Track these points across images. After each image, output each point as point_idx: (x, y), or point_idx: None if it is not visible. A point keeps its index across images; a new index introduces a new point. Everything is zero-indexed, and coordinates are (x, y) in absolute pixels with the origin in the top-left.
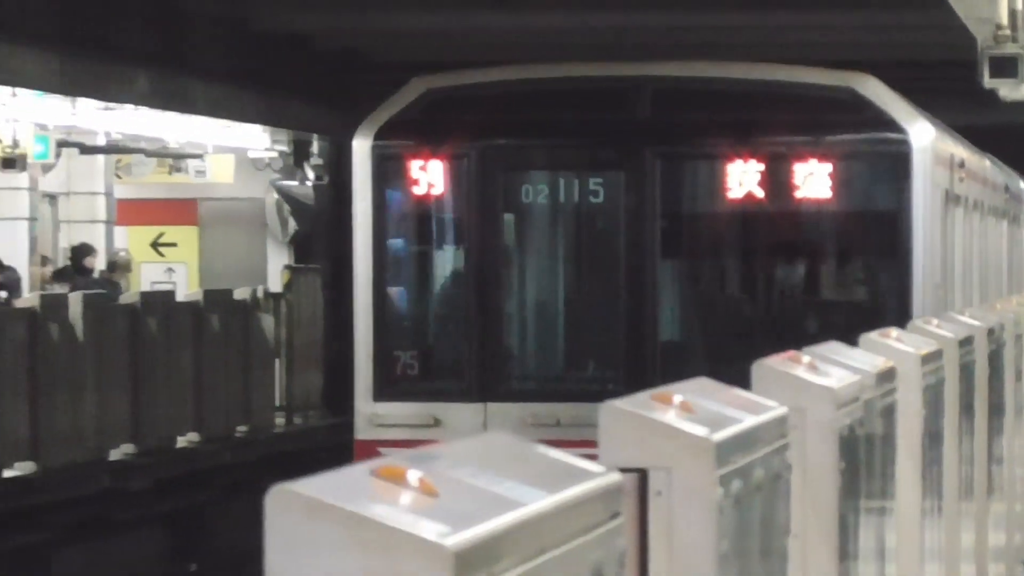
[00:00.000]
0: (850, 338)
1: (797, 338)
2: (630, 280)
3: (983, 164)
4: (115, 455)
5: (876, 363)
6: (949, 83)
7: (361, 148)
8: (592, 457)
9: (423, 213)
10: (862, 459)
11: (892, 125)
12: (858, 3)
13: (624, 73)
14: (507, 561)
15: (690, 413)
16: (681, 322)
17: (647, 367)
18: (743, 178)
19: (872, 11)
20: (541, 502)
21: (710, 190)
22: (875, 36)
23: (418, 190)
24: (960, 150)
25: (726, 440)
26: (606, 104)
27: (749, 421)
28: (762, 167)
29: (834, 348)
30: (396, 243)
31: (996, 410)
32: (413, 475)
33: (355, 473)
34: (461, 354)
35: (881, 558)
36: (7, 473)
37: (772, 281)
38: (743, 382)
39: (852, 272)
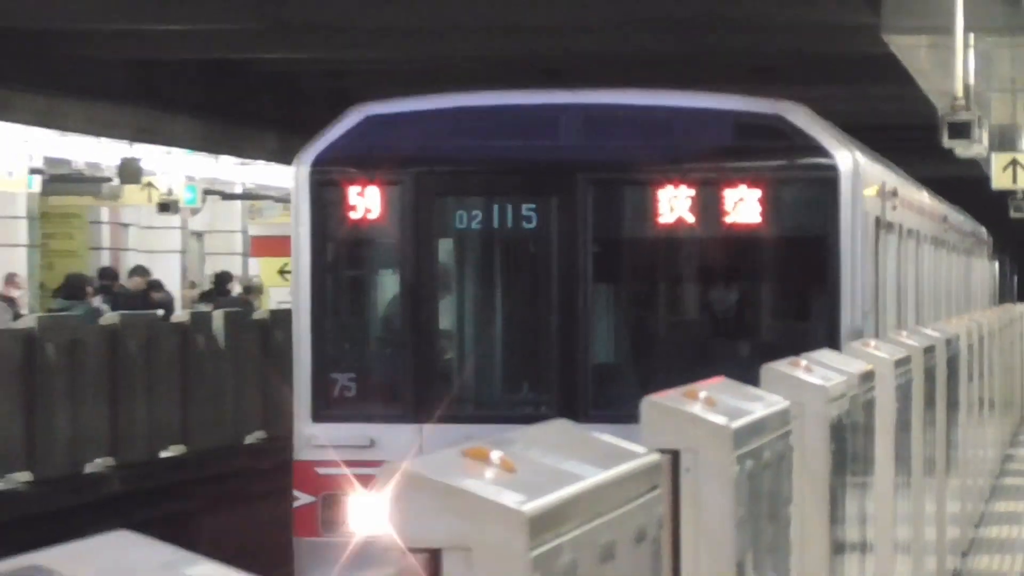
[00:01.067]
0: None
1: (728, 360)
2: (562, 305)
3: (920, 195)
4: (249, 439)
5: (859, 367)
6: (914, 142)
7: (300, 174)
8: None
9: (360, 238)
10: (848, 443)
11: (819, 151)
12: (839, 78)
13: (556, 101)
14: (570, 524)
15: (713, 406)
16: (613, 346)
17: (579, 390)
18: (673, 203)
19: (852, 85)
20: (597, 476)
21: (641, 215)
22: (852, 105)
23: (355, 215)
24: (895, 180)
25: (741, 427)
26: (538, 131)
27: (759, 412)
28: (692, 192)
29: (825, 355)
30: (333, 268)
31: (952, 405)
32: (495, 455)
33: (448, 454)
34: (397, 377)
35: (863, 522)
36: (163, 454)
37: (703, 305)
38: None
39: (782, 295)
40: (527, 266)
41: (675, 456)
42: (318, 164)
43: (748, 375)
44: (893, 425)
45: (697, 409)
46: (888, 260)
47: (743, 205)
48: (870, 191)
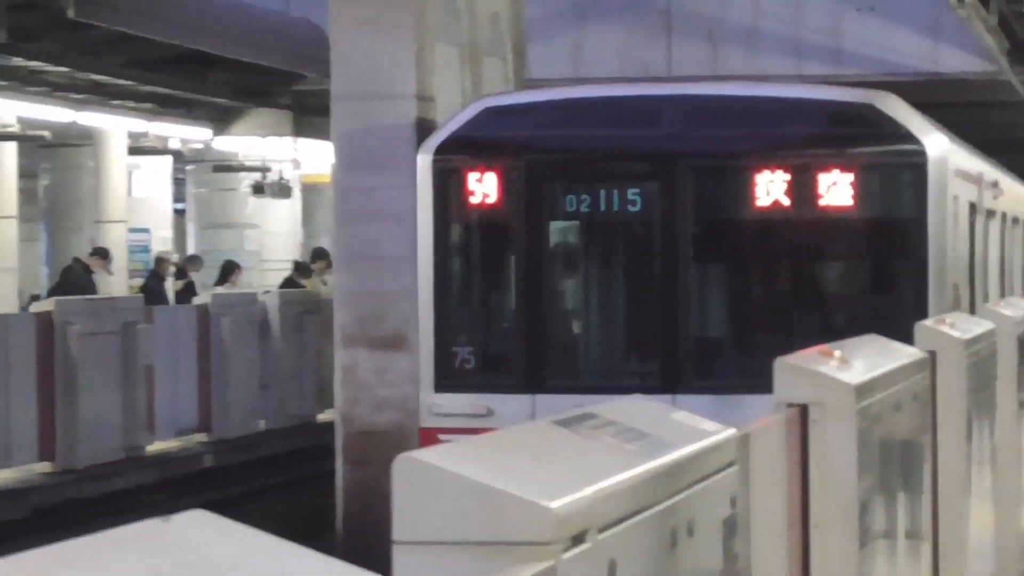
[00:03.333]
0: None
1: (819, 335)
2: (664, 283)
3: (1013, 184)
4: None
5: (986, 324)
6: None
7: (423, 162)
8: None
9: (477, 222)
10: (983, 384)
11: (909, 138)
12: None
13: (659, 93)
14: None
15: (845, 363)
16: (712, 323)
17: (681, 363)
18: (769, 187)
19: None
20: (677, 451)
21: (739, 199)
22: None
23: (473, 200)
24: (985, 167)
25: (866, 382)
26: (643, 121)
27: (893, 365)
28: (787, 177)
29: (961, 317)
30: (453, 249)
31: None
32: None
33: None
34: (511, 351)
35: (980, 462)
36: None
37: (797, 283)
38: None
39: (872, 274)
40: (632, 247)
41: (804, 409)
42: (440, 152)
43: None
44: (1013, 369)
45: (824, 367)
46: (977, 242)
47: (836, 189)
48: (962, 178)
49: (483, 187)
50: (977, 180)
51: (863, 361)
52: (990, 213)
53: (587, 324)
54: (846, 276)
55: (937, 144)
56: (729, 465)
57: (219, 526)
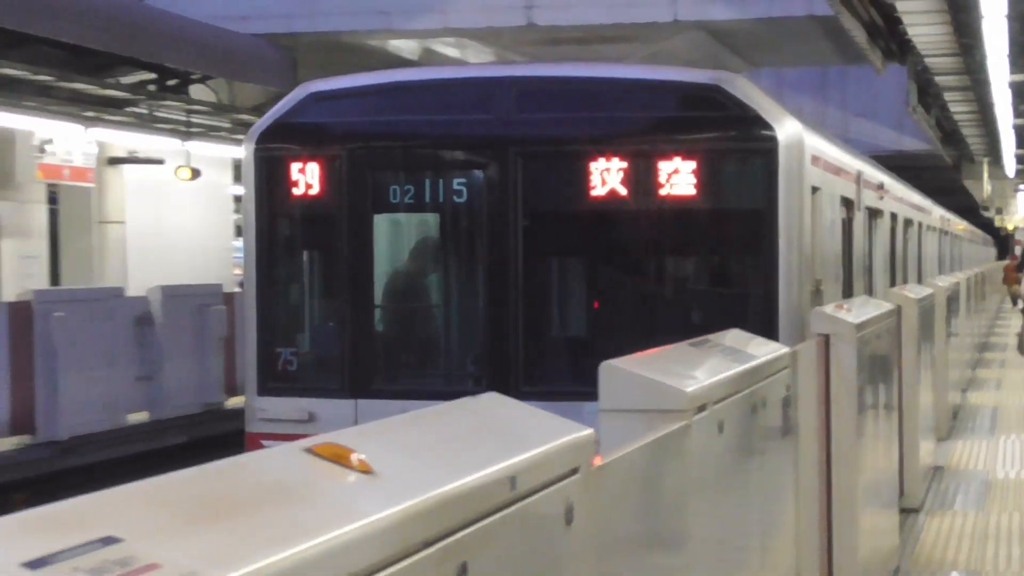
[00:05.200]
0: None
1: (662, 333)
2: (493, 280)
3: (874, 172)
4: None
5: (890, 305)
6: None
7: (247, 150)
8: None
9: (301, 214)
10: (927, 325)
11: (758, 121)
12: None
13: (489, 75)
14: (728, 391)
15: (849, 312)
16: (544, 324)
17: (510, 367)
18: (606, 176)
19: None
20: (756, 360)
21: (573, 188)
22: None
23: (296, 191)
24: (841, 155)
25: (861, 323)
26: (472, 106)
27: (873, 313)
28: (625, 164)
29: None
30: (277, 243)
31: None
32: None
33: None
34: (333, 353)
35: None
36: None
37: (638, 280)
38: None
39: (719, 268)
40: (458, 242)
41: (826, 338)
42: (262, 140)
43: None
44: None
45: (841, 313)
46: (856, 238)
47: (678, 177)
48: (821, 167)
49: (306, 177)
50: (854, 177)
51: (859, 310)
52: (875, 212)
53: (413, 325)
54: (690, 271)
55: (789, 129)
56: (785, 368)
57: (508, 403)
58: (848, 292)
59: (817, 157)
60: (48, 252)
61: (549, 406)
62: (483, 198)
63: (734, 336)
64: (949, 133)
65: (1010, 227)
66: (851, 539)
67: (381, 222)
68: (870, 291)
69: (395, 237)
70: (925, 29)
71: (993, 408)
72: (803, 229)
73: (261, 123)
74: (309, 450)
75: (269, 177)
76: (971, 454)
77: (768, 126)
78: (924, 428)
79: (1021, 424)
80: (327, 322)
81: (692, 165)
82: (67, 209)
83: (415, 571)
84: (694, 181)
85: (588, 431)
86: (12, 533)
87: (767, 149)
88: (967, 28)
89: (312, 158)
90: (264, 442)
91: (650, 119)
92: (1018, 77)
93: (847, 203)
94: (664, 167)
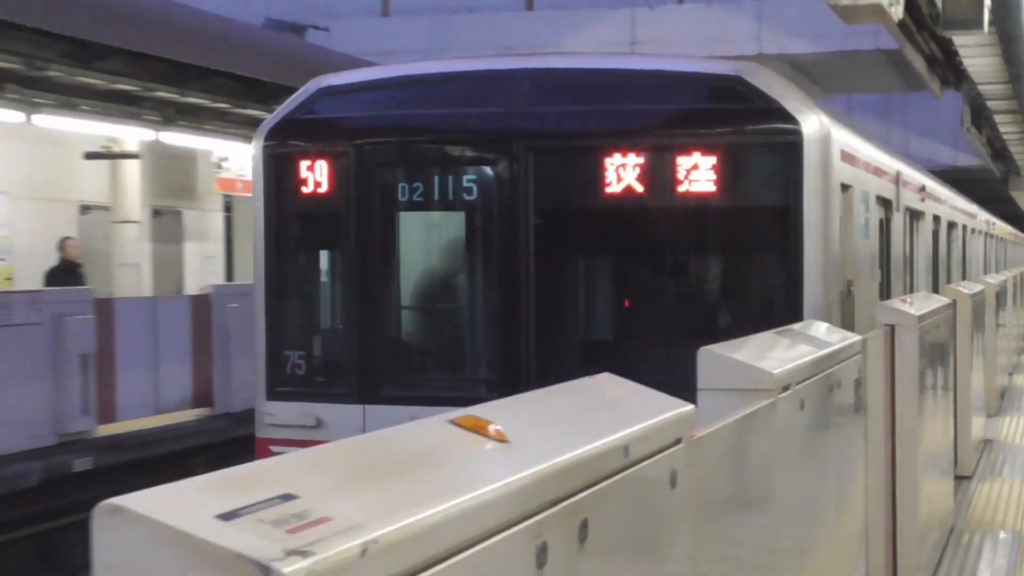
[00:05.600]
0: (746, 331)
1: (681, 333)
2: (503, 282)
3: (903, 168)
4: None
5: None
6: None
7: (256, 148)
8: None
9: (309, 214)
10: (979, 319)
11: (782, 114)
12: None
13: (500, 67)
14: (808, 374)
15: (911, 306)
16: (557, 325)
17: (520, 371)
18: (621, 171)
19: None
20: (832, 347)
21: (587, 184)
22: None
23: (305, 189)
24: (872, 150)
25: (922, 315)
26: (483, 99)
27: (934, 306)
28: (642, 160)
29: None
30: (286, 243)
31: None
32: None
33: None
34: (341, 357)
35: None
36: None
37: (657, 279)
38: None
39: (741, 266)
40: (469, 241)
41: (892, 328)
42: (271, 137)
43: (703, 344)
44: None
45: (904, 307)
46: (895, 238)
47: (698, 173)
48: (852, 163)
49: (314, 175)
50: (892, 177)
51: (920, 303)
52: (916, 213)
53: (422, 328)
54: (711, 271)
55: (815, 122)
56: (856, 353)
57: (620, 382)
58: (886, 291)
59: (848, 153)
60: (224, 253)
61: None
62: (493, 195)
63: (813, 326)
64: (999, 150)
65: None
66: (912, 503)
67: (389, 221)
68: (911, 290)
69: (404, 237)
70: (978, 60)
71: None
72: (831, 227)
73: (271, 119)
74: (453, 422)
75: (277, 175)
76: (1017, 429)
77: (792, 119)
78: (976, 406)
79: None
80: (335, 325)
81: (712, 160)
82: (239, 216)
83: (543, 526)
84: (714, 177)
85: (690, 407)
86: (205, 491)
87: (791, 143)
88: (1016, 59)
89: (320, 155)
90: (272, 448)
91: (668, 112)
92: None
93: (885, 203)
94: (683, 162)
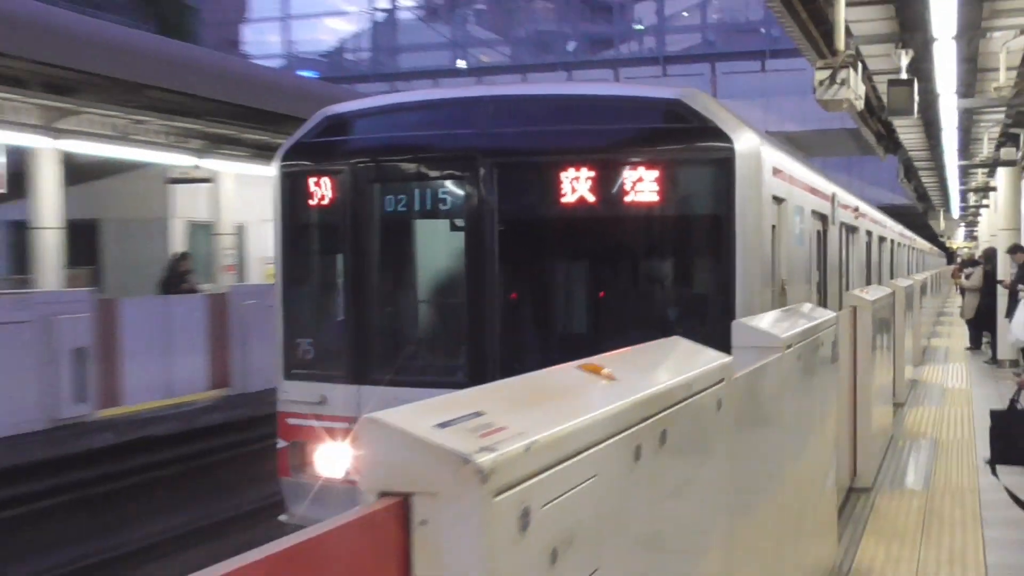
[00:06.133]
0: (685, 325)
1: (626, 332)
2: (472, 281)
3: (826, 184)
4: None
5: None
6: None
7: (275, 168)
8: None
9: (314, 223)
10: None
11: (717, 133)
12: None
13: (470, 95)
14: (803, 337)
15: (867, 295)
16: (518, 320)
17: (487, 361)
18: (574, 184)
19: None
20: (818, 320)
21: (543, 196)
22: None
23: (312, 203)
24: (800, 168)
25: (874, 300)
26: (455, 122)
27: (881, 295)
28: (593, 174)
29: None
30: (297, 249)
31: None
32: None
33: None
34: (341, 344)
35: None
36: None
37: (602, 282)
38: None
39: (680, 273)
40: (443, 246)
41: (854, 308)
42: (287, 158)
43: (647, 337)
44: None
45: (860, 294)
46: (831, 249)
47: (642, 185)
48: (786, 180)
49: (320, 190)
50: (828, 197)
51: (873, 293)
52: (851, 228)
53: (404, 322)
54: (655, 273)
55: (747, 141)
56: (833, 324)
57: (684, 343)
58: (823, 289)
59: (780, 170)
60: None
61: None
62: (463, 206)
63: (806, 308)
64: (922, 194)
65: (954, 247)
66: (867, 420)
67: (378, 229)
68: (847, 288)
69: (391, 242)
70: (910, 135)
71: (945, 348)
72: (761, 234)
73: (287, 143)
74: (579, 367)
75: (292, 190)
76: (933, 374)
77: (726, 137)
78: (907, 359)
79: (959, 356)
80: (334, 318)
81: (655, 173)
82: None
83: (638, 434)
84: (657, 188)
85: (729, 358)
86: (427, 410)
87: (724, 158)
88: (934, 135)
89: (324, 173)
90: (288, 420)
91: (616, 131)
92: (963, 162)
93: (821, 217)
94: (629, 175)
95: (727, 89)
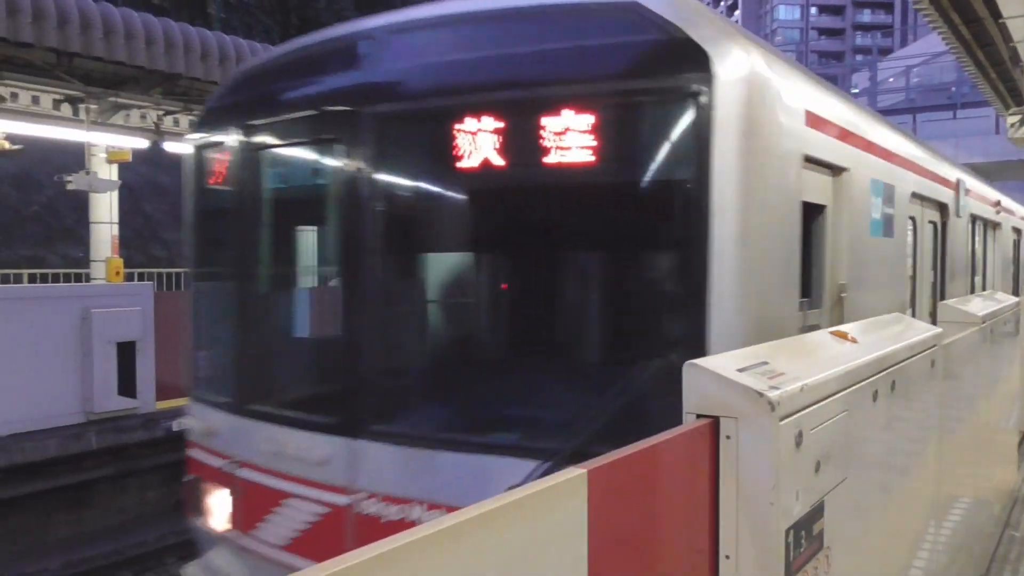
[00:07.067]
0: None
1: (544, 374)
2: (345, 289)
3: (878, 129)
4: None
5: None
6: None
7: (188, 142)
8: None
9: (208, 207)
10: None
11: (688, 48)
12: None
13: (359, 29)
14: (994, 316)
15: (972, 304)
16: (403, 343)
17: (359, 399)
18: (479, 140)
19: None
20: (1004, 304)
21: (439, 157)
22: None
23: (204, 182)
24: (829, 100)
25: (985, 314)
26: (344, 66)
27: (997, 307)
28: (502, 124)
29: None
30: (198, 240)
31: None
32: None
33: None
34: (215, 363)
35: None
36: None
37: (518, 288)
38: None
39: (627, 272)
40: (319, 236)
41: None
42: (197, 129)
43: (572, 385)
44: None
45: (963, 306)
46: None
47: (569, 138)
48: (796, 119)
49: (215, 168)
50: (945, 180)
51: (983, 302)
52: (988, 223)
53: (272, 340)
54: (590, 276)
55: (738, 57)
56: (1017, 307)
57: (906, 319)
58: (937, 294)
59: (825, 120)
60: None
61: (399, 453)
62: (338, 177)
63: (998, 295)
64: None
65: None
66: None
67: (259, 208)
68: (971, 291)
69: (270, 226)
70: None
71: None
72: (770, 215)
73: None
74: (831, 333)
75: (197, 167)
76: None
77: (701, 52)
78: None
79: None
80: (214, 330)
81: (589, 119)
82: None
83: (875, 382)
84: (591, 143)
85: (940, 330)
86: (731, 359)
87: (693, 90)
88: None
89: (216, 146)
90: (189, 451)
91: (539, 59)
92: None
93: (936, 206)
94: (550, 124)
95: (924, 131)
